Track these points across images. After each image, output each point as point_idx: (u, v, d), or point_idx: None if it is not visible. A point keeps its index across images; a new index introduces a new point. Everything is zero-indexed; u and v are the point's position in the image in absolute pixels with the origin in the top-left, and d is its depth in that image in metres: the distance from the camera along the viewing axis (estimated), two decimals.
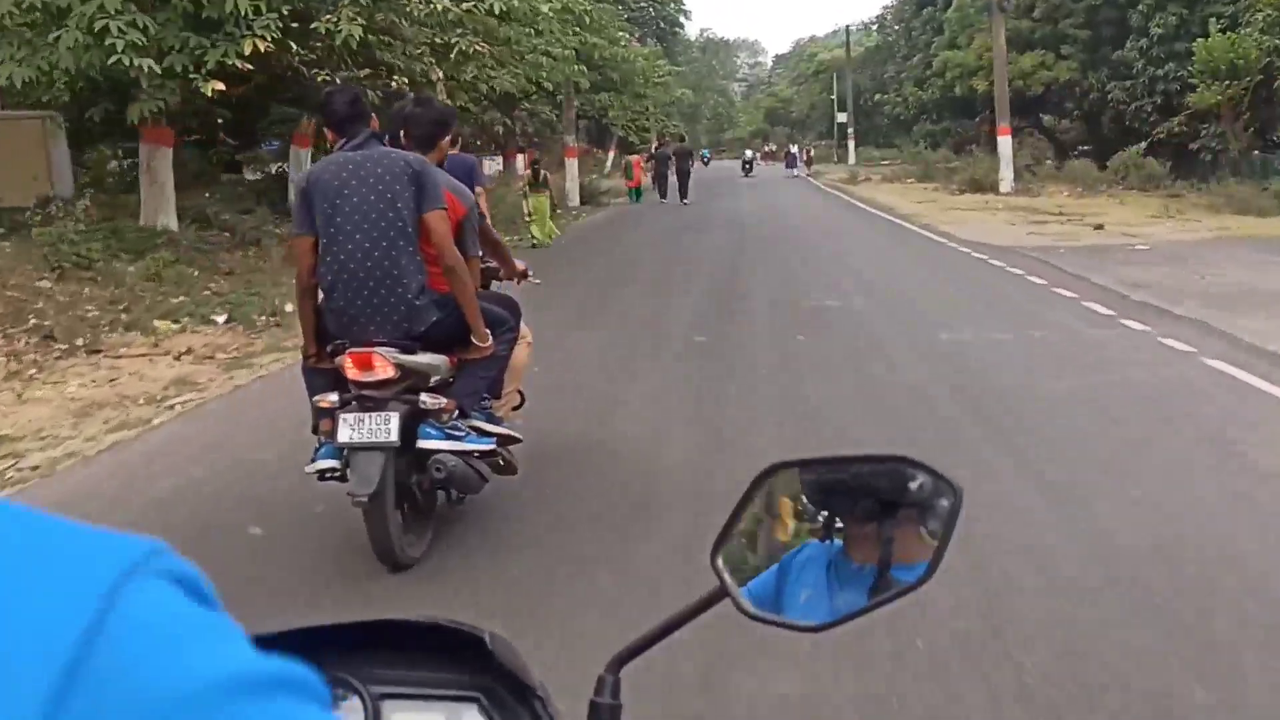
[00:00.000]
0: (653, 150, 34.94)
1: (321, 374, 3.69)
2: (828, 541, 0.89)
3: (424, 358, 3.60)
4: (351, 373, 3.45)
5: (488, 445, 3.72)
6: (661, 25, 65.65)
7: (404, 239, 3.51)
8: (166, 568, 0.40)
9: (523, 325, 4.18)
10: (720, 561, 0.87)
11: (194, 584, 0.41)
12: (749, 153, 58.45)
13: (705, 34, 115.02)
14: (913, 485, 0.87)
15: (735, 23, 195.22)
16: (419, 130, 3.87)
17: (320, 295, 3.66)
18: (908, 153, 55.73)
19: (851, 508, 0.89)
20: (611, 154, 50.02)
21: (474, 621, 0.75)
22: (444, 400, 3.61)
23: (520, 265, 4.54)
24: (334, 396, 3.53)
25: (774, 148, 66.20)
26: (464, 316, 3.65)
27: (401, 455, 3.47)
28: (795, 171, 43.90)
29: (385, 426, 3.37)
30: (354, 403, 3.47)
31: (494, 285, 4.46)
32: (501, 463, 3.93)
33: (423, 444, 3.50)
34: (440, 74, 13.94)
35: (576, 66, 27.03)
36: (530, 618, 3.20)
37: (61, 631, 0.36)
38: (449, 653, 0.76)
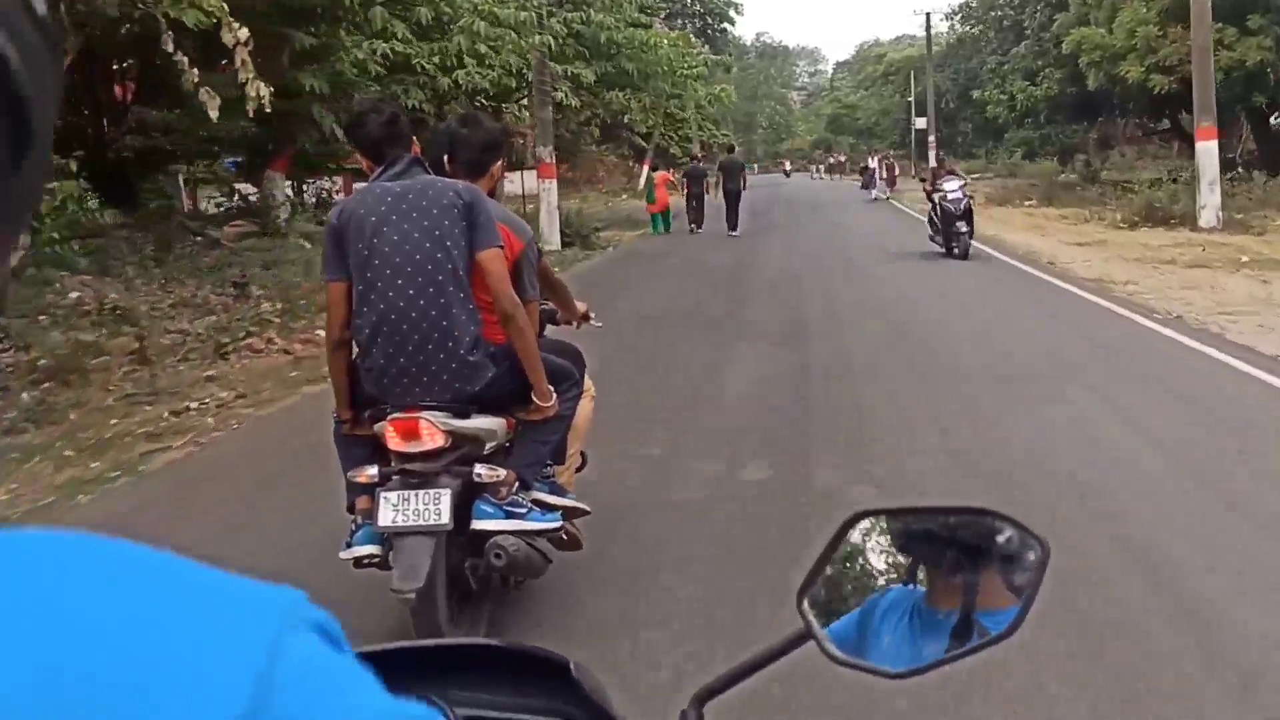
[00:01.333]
0: (691, 164, 26.58)
1: (358, 443, 3.15)
2: (911, 587, 0.90)
3: (479, 421, 3.07)
4: (394, 442, 2.94)
5: (553, 523, 3.22)
6: (708, 21, 57.41)
7: (455, 284, 2.97)
8: (311, 617, 0.43)
9: (586, 377, 3.61)
10: (806, 604, 0.88)
11: (332, 631, 0.44)
12: (787, 164, 51.35)
13: (761, 38, 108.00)
14: (999, 538, 0.88)
15: (794, 30, 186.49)
16: (467, 155, 3.27)
17: (355, 351, 3.12)
18: (1003, 164, 46.63)
19: (936, 555, 0.91)
20: (645, 170, 41.70)
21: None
22: (502, 472, 3.07)
23: (581, 307, 3.93)
24: (373, 470, 2.99)
25: (842, 158, 57.19)
26: (522, 371, 3.10)
27: (454, 538, 2.95)
28: (875, 193, 32.65)
29: (435, 506, 2.86)
30: (397, 478, 2.95)
31: (549, 330, 3.77)
32: (565, 537, 3.38)
33: (478, 525, 3.00)
34: None
35: (549, 40, 18.92)
36: None
37: (237, 682, 0.38)
38: (534, 679, 0.76)
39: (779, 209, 28.85)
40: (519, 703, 0.75)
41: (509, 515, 3.06)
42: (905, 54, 62.39)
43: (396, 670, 0.60)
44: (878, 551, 0.92)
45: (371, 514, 2.94)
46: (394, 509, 2.88)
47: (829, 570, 0.90)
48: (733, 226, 21.85)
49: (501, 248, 3.05)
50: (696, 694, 0.85)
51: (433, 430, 2.94)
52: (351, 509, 3.18)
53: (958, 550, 0.89)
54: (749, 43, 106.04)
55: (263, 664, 0.38)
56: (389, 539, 2.93)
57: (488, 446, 3.13)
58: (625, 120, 26.74)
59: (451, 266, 2.97)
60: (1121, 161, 41.51)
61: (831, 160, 56.57)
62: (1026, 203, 26.55)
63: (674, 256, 18.42)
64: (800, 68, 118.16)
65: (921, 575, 0.90)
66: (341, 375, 3.18)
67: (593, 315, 4.03)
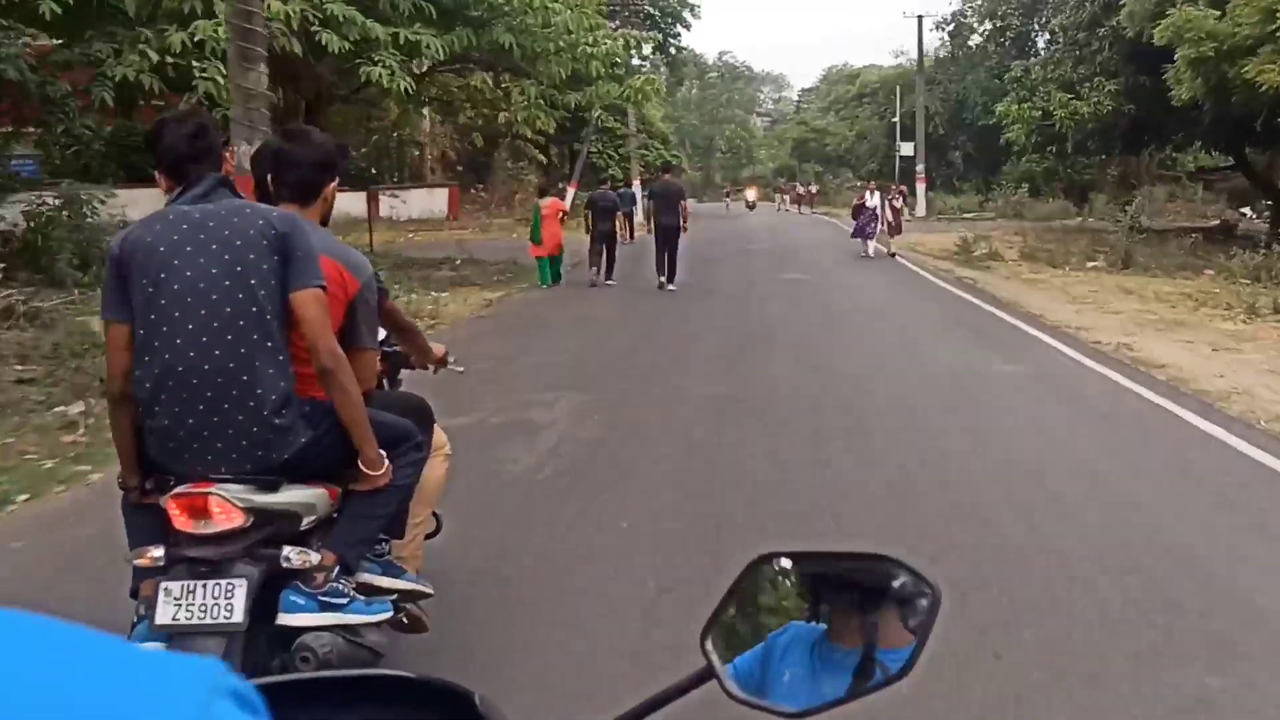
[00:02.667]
0: (598, 191, 18.00)
1: (148, 514, 2.55)
2: (813, 623, 0.92)
3: (290, 494, 2.53)
4: (180, 521, 2.41)
5: (380, 615, 2.69)
6: (660, 23, 48.89)
7: (260, 330, 2.44)
8: (230, 686, 0.45)
9: (439, 433, 3.21)
10: (709, 644, 0.89)
11: (249, 698, 0.46)
12: (750, 195, 43.25)
13: (725, 57, 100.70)
14: (894, 583, 0.90)
15: (759, 56, 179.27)
16: (294, 175, 2.79)
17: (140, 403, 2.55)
18: (1003, 201, 38.40)
19: (838, 595, 0.93)
20: (572, 191, 32.95)
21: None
22: (316, 556, 2.51)
23: (439, 349, 3.50)
24: (158, 552, 2.42)
25: (814, 188, 48.44)
26: (343, 433, 2.58)
27: (260, 630, 2.42)
28: (870, 248, 20.60)
29: (227, 602, 2.36)
30: (182, 565, 2.39)
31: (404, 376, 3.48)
32: (405, 620, 2.96)
33: (286, 619, 2.45)
34: None
35: None
36: None
37: None
38: (438, 711, 0.76)
39: (729, 263, 20.00)
40: None
41: (324, 607, 2.50)
42: (883, 74, 54.42)
43: (300, 701, 0.61)
44: (782, 592, 0.94)
45: (152, 606, 2.36)
46: (176, 603, 2.34)
47: (732, 610, 0.90)
48: (668, 273, 15.48)
49: (323, 287, 2.51)
50: None
51: (226, 508, 2.39)
52: (135, 595, 2.52)
53: (858, 593, 0.91)
54: (711, 60, 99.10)
55: None
56: (172, 639, 2.34)
57: (306, 521, 2.57)
58: (503, 118, 17.67)
59: (256, 310, 2.43)
60: (1153, 205, 33.45)
61: (800, 190, 48.00)
62: (1090, 266, 17.95)
63: (546, 339, 9.85)
64: (765, 93, 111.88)
65: (825, 612, 0.92)
66: (126, 435, 2.58)
67: (451, 358, 3.56)
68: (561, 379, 7.86)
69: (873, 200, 20.04)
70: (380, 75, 14.04)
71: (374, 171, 34.51)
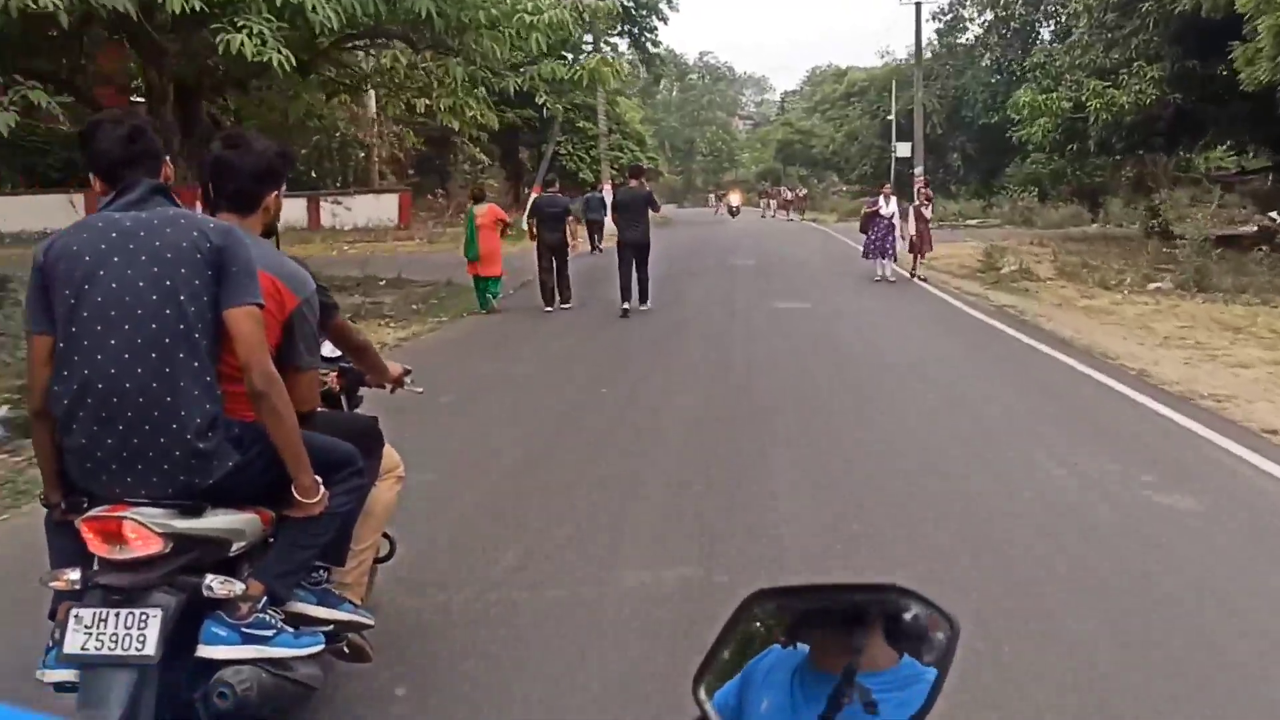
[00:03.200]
0: (545, 194, 14.58)
1: (68, 534, 2.37)
2: (793, 648, 0.88)
3: (214, 520, 2.39)
4: (94, 545, 2.27)
5: (308, 648, 2.52)
6: (636, 22, 45.39)
7: (187, 348, 2.32)
8: None
9: (390, 455, 3.07)
10: (702, 692, 0.85)
11: None
12: (734, 200, 39.69)
13: (706, 58, 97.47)
14: (906, 615, 0.85)
15: (740, 58, 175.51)
16: (234, 184, 2.67)
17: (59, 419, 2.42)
18: (1008, 206, 35.06)
19: (825, 620, 0.88)
20: (535, 196, 29.52)
21: None
22: (239, 585, 2.38)
23: (396, 369, 3.39)
24: (74, 575, 2.31)
25: (801, 192, 44.66)
26: (275, 456, 2.45)
27: (179, 662, 2.29)
28: (886, 267, 16.17)
29: (139, 633, 2.21)
30: (97, 590, 2.26)
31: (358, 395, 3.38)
32: (347, 650, 2.82)
33: (205, 651, 2.32)
34: None
35: None
36: None
37: None
38: None
39: (708, 282, 16.55)
40: None
41: (247, 639, 2.38)
42: (873, 73, 51.14)
43: None
44: (773, 630, 0.89)
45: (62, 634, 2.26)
46: (86, 632, 2.22)
47: (725, 654, 0.86)
48: (642, 295, 12.97)
49: (259, 305, 2.39)
50: None
51: (142, 533, 2.26)
52: (53, 615, 2.39)
53: (862, 634, 0.85)
54: (691, 61, 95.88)
55: None
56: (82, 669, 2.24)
57: (235, 547, 2.44)
58: (430, 104, 14.11)
59: (184, 326, 2.32)
60: (1175, 210, 30.21)
61: (788, 194, 44.35)
62: (1153, 286, 14.51)
63: (436, 424, 6.05)
64: (747, 95, 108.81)
65: (807, 635, 0.88)
66: (47, 450, 2.46)
67: (408, 379, 3.44)
68: (436, 514, 4.36)
69: (889, 208, 15.91)
70: (244, 45, 10.46)
71: (314, 175, 30.85)
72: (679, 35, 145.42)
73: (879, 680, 0.82)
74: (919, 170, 33.84)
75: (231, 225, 2.48)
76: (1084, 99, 20.10)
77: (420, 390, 3.57)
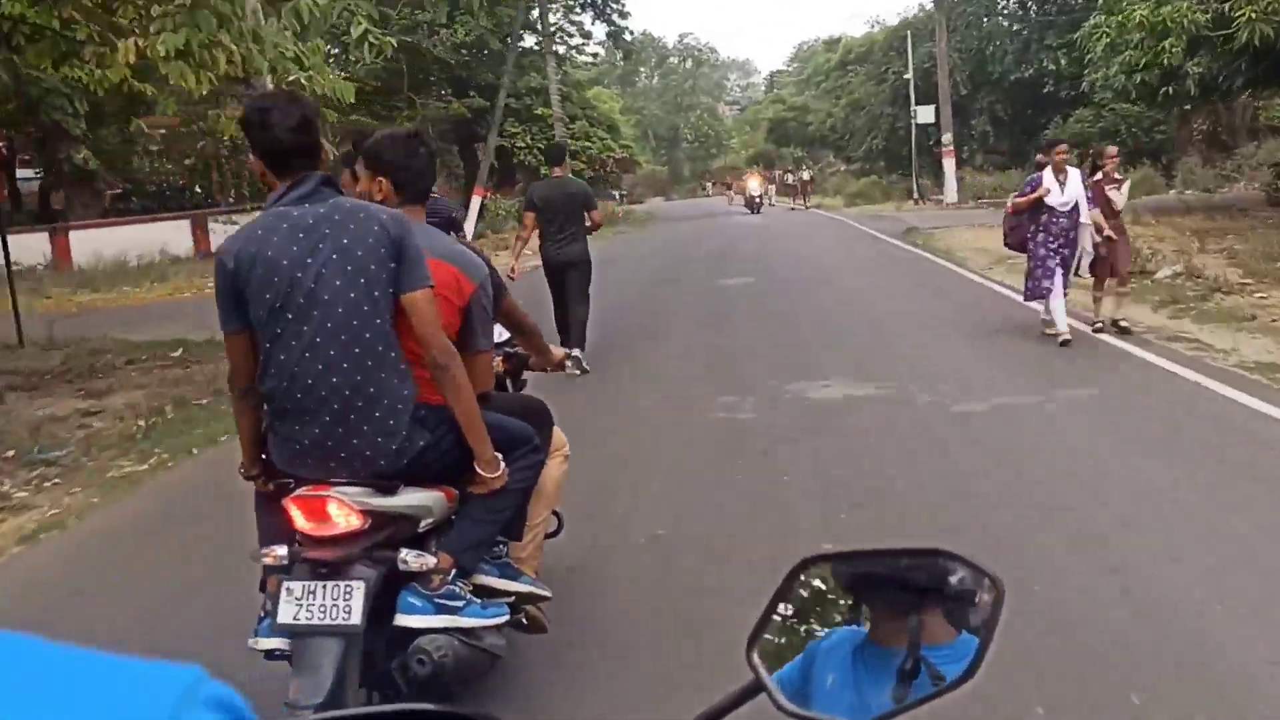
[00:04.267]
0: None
1: (274, 511, 2.53)
2: (854, 627, 0.88)
3: (408, 498, 2.51)
4: (301, 524, 2.40)
5: (496, 618, 2.64)
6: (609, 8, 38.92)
7: (384, 341, 2.43)
8: (210, 693, 0.44)
9: (557, 434, 3.13)
10: (756, 656, 0.85)
11: (232, 704, 0.45)
12: (754, 187, 32.41)
13: (686, 39, 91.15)
14: (952, 579, 0.85)
15: (722, 41, 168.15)
16: (405, 176, 2.74)
17: (265, 407, 2.55)
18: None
19: (882, 596, 0.88)
20: (478, 200, 23.16)
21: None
22: (432, 559, 2.49)
23: (560, 353, 3.47)
24: (281, 551, 2.43)
25: (806, 175, 37.38)
26: (459, 435, 2.54)
27: (377, 632, 2.41)
28: (1057, 316, 7.68)
29: (345, 603, 2.34)
30: (303, 565, 2.39)
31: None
32: (525, 621, 2.92)
33: (403, 621, 2.44)
34: None
35: None
36: None
37: None
38: None
39: (686, 319, 10.03)
40: None
41: (440, 609, 2.50)
42: (872, 36, 44.65)
43: None
44: (824, 596, 0.90)
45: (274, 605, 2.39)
46: (296, 604, 2.34)
47: (776, 619, 0.87)
48: (575, 339, 7.84)
49: (432, 287, 2.48)
50: None
51: (345, 510, 2.39)
52: (263, 588, 2.57)
53: (908, 594, 0.86)
54: (671, 44, 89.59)
55: None
56: (292, 638, 2.37)
57: (423, 524, 2.57)
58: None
59: (379, 321, 2.43)
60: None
61: (791, 179, 37.23)
62: None
63: None
64: (732, 80, 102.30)
65: (865, 614, 0.88)
66: (247, 428, 2.62)
67: (569, 362, 3.39)
68: None
69: (1067, 191, 7.69)
70: None
71: (200, 190, 24.61)
72: (656, 18, 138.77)
73: (939, 654, 0.82)
74: (947, 138, 27.42)
75: (402, 213, 2.53)
76: (1230, 10, 13.61)
77: (578, 372, 3.49)
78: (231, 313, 2.44)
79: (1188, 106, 23.27)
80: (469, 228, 25.99)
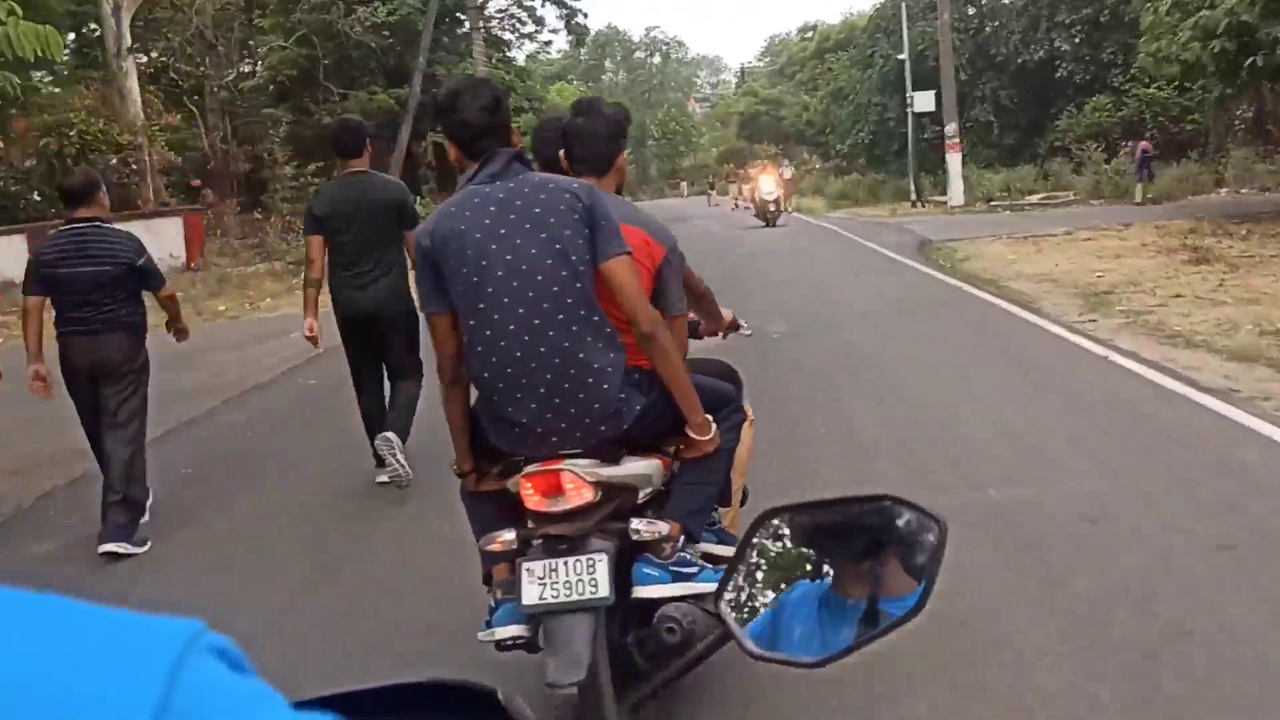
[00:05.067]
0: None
1: (487, 500, 2.52)
2: (818, 581, 0.92)
3: (632, 466, 2.43)
4: (533, 501, 2.31)
5: None
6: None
7: (585, 305, 2.34)
8: (210, 644, 0.43)
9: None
10: (724, 605, 0.90)
11: (233, 656, 0.44)
12: (766, 186, 22.00)
13: (652, 33, 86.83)
14: (899, 522, 0.90)
15: (691, 38, 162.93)
16: (589, 150, 2.69)
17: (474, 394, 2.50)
18: (1104, 175, 24.02)
19: (840, 549, 0.93)
20: None
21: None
22: (664, 525, 2.40)
23: (728, 315, 3.30)
24: (509, 535, 2.33)
25: (786, 174, 31.70)
26: (673, 400, 2.44)
27: (612, 608, 2.31)
28: None
29: (590, 576, 2.23)
30: (539, 543, 2.30)
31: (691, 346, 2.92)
32: None
33: (641, 591, 2.34)
34: None
35: None
36: None
37: (136, 708, 0.39)
38: (463, 711, 0.73)
39: None
40: None
41: (676, 578, 2.40)
42: (852, 21, 40.17)
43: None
44: (787, 548, 0.93)
45: (513, 588, 2.33)
46: (540, 583, 2.25)
47: (741, 571, 0.89)
48: (393, 436, 4.76)
49: (630, 253, 2.39)
50: (630, 703, 0.82)
51: (578, 483, 2.30)
52: (488, 580, 2.54)
53: (861, 540, 0.90)
54: (637, 38, 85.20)
55: (161, 689, 0.39)
56: (537, 619, 2.30)
57: (642, 494, 2.49)
58: None
59: (580, 286, 2.34)
60: None
61: (782, 173, 31.31)
62: None
63: None
64: (702, 77, 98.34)
65: (828, 569, 0.91)
66: (459, 417, 2.52)
67: (743, 323, 3.39)
68: None
69: None
70: None
71: (40, 197, 19.70)
72: (622, 12, 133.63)
73: (899, 605, 0.85)
74: (951, 129, 22.97)
75: (591, 183, 2.50)
76: None
77: (749, 332, 3.45)
78: (432, 293, 2.40)
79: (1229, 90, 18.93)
80: None
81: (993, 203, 22.81)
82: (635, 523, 2.34)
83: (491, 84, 2.60)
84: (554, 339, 2.29)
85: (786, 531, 0.94)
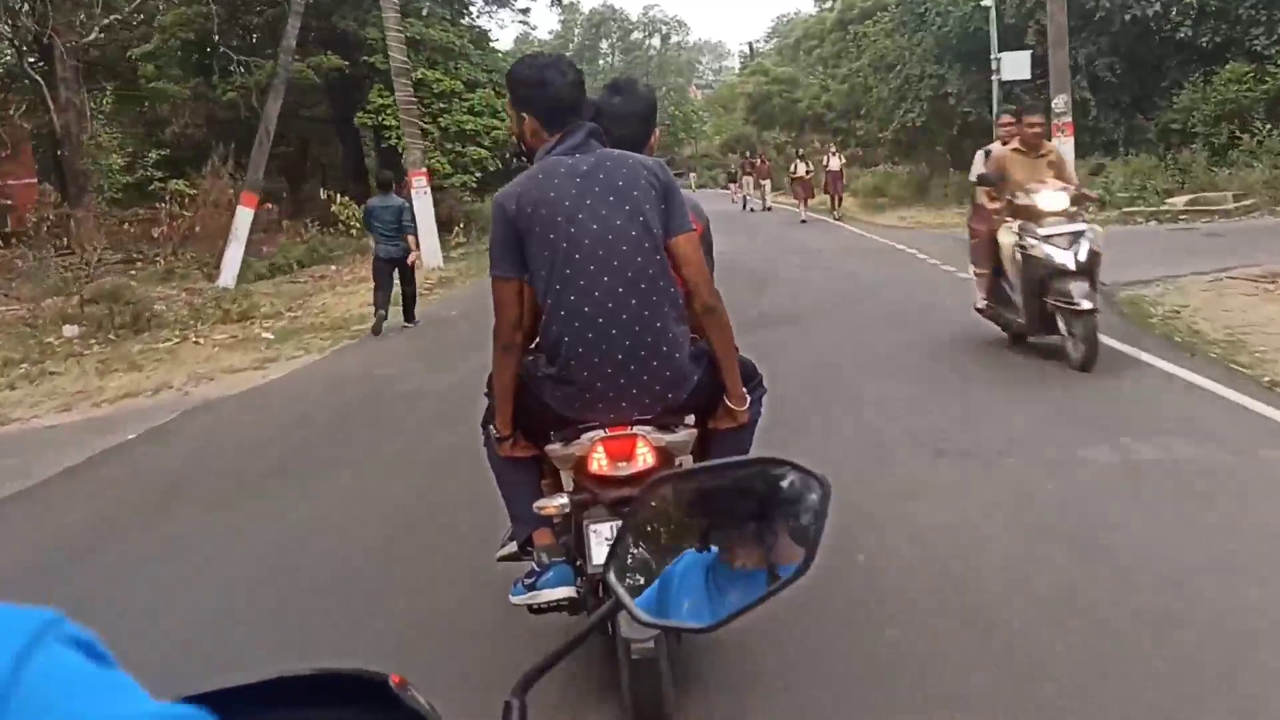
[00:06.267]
0: None
1: (521, 466, 2.67)
2: (706, 551, 0.91)
3: (682, 434, 2.58)
4: (600, 465, 2.47)
5: None
6: None
7: (662, 276, 2.46)
8: (66, 634, 0.43)
9: None
10: (612, 576, 0.89)
11: (92, 647, 0.44)
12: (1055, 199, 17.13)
13: (650, 12, 79.85)
14: (784, 483, 0.89)
15: (692, 23, 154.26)
16: (625, 129, 2.71)
17: (537, 362, 2.59)
18: (1202, 157, 16.75)
19: (727, 513, 0.92)
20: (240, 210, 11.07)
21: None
22: None
23: None
24: (563, 500, 2.51)
25: (833, 162, 23.52)
26: (714, 373, 2.58)
27: None
28: None
29: None
30: (601, 508, 2.47)
31: None
32: None
33: None
34: None
35: None
36: None
37: None
38: (356, 699, 0.71)
39: None
40: None
41: None
42: None
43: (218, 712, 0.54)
44: (673, 517, 0.92)
45: (560, 551, 2.52)
46: (607, 543, 2.13)
47: (629, 541, 0.89)
48: None
49: (694, 230, 2.53)
50: (519, 681, 0.83)
51: (647, 448, 2.46)
52: (526, 545, 2.66)
53: (747, 503, 0.90)
54: (635, 18, 78.10)
55: (7, 675, 0.39)
56: (594, 580, 2.39)
57: (678, 460, 2.58)
58: None
59: (660, 258, 2.45)
60: None
61: (801, 168, 23.21)
62: None
63: None
64: (704, 64, 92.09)
65: (715, 534, 0.91)
66: (509, 383, 2.58)
67: None
68: None
69: None
70: None
71: None
72: None
73: (786, 566, 0.85)
74: (1061, 102, 15.92)
75: (663, 161, 2.57)
76: None
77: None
78: (508, 258, 2.45)
79: None
80: (230, 256, 14.28)
81: (1128, 212, 15.71)
82: None
83: (570, 61, 2.62)
84: (635, 307, 2.39)
85: (672, 499, 0.92)
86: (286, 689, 0.68)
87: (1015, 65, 17.72)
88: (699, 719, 2.57)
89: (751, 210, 26.68)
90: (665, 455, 2.46)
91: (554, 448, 2.52)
